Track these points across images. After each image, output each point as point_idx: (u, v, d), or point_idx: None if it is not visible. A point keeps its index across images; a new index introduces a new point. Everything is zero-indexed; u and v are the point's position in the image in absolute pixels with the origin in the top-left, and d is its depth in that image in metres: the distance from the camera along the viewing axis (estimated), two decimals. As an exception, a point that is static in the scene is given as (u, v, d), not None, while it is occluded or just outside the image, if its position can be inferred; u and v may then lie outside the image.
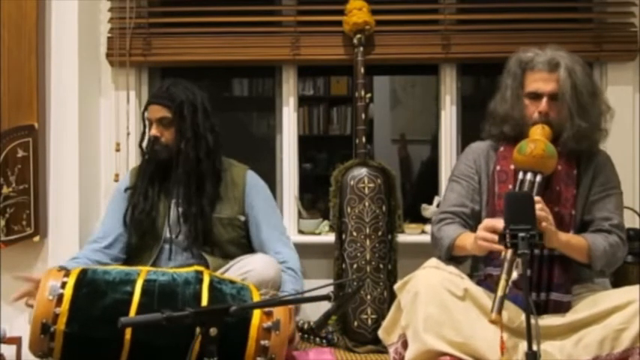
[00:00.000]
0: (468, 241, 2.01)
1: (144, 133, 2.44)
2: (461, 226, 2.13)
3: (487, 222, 1.92)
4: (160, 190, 2.38)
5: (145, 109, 2.41)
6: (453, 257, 2.09)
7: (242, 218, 2.40)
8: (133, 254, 2.39)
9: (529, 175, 1.95)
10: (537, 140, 1.97)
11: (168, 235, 2.35)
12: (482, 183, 2.17)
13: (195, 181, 2.33)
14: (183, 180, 2.32)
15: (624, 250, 2.08)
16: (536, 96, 2.07)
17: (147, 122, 2.41)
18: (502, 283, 1.72)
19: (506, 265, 1.74)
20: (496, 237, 1.83)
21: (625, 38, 2.84)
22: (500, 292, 1.71)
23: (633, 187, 2.80)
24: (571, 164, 2.08)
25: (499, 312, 1.69)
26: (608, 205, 2.09)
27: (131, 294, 1.87)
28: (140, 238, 2.36)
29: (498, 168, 2.12)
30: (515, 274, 1.72)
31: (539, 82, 2.06)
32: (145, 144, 2.42)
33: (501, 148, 2.15)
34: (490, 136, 2.21)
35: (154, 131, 2.35)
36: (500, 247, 1.80)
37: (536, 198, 1.87)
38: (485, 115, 2.23)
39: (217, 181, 2.37)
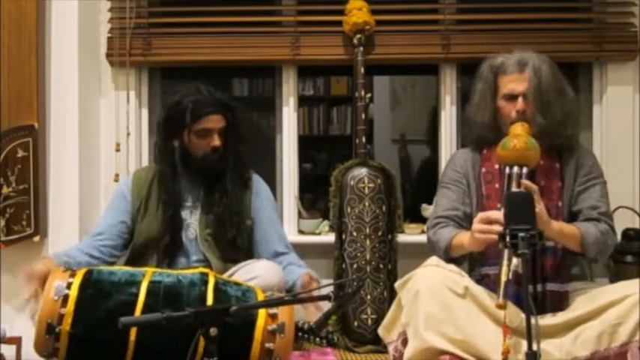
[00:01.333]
0: (464, 238, 2.04)
1: (167, 142, 2.33)
2: (455, 228, 2.16)
3: (481, 214, 1.97)
4: (178, 195, 2.35)
5: (197, 119, 2.27)
6: (451, 259, 2.10)
7: (248, 222, 2.38)
8: (137, 255, 2.34)
9: (515, 169, 2.00)
10: (519, 135, 2.04)
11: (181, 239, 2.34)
12: (470, 186, 2.22)
13: (239, 185, 2.35)
14: (235, 184, 2.33)
15: (614, 237, 2.15)
16: (511, 97, 2.14)
17: (194, 132, 2.28)
18: (504, 269, 1.75)
19: (506, 252, 1.76)
20: (492, 227, 1.87)
21: (625, 38, 2.84)
22: (503, 277, 1.74)
23: (633, 187, 2.79)
24: (552, 158, 2.15)
25: (505, 297, 1.72)
26: (594, 195, 2.15)
27: (136, 295, 1.86)
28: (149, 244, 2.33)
29: (483, 170, 2.18)
30: (515, 261, 1.74)
31: (512, 83, 2.14)
32: (177, 154, 2.33)
33: (484, 151, 2.22)
34: (470, 141, 2.29)
35: (217, 142, 2.29)
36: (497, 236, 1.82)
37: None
38: (463, 122, 2.28)
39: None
